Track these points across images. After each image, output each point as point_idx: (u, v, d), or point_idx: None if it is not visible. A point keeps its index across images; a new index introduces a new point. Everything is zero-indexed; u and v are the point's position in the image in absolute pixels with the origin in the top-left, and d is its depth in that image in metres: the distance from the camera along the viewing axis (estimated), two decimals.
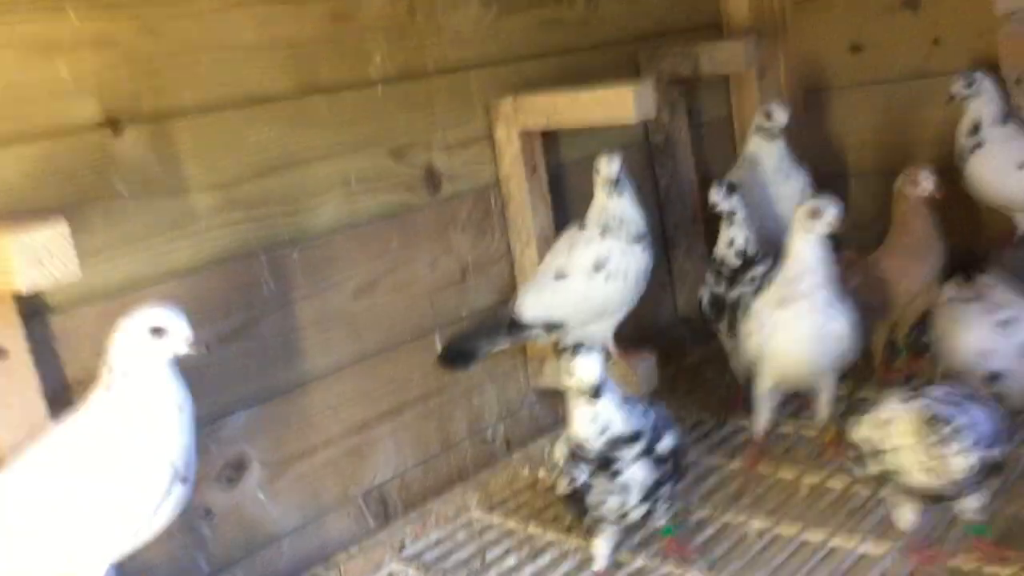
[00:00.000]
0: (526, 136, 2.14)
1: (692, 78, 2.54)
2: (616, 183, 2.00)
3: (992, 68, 2.35)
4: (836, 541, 1.64)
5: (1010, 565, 1.45)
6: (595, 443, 1.53)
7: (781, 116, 2.40)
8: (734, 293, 2.14)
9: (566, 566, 1.72)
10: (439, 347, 2.09)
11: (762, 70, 2.73)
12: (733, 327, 2.13)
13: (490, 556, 1.79)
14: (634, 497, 1.55)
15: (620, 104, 1.92)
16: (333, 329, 1.89)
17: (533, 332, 2.05)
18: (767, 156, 2.43)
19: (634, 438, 1.53)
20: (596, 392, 1.49)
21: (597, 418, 1.52)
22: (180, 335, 1.28)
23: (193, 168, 1.65)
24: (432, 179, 2.08)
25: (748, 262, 2.12)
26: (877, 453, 1.50)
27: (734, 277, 2.13)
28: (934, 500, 1.49)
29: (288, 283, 1.78)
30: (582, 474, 1.55)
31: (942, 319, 1.90)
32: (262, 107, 1.75)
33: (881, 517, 1.67)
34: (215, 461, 1.68)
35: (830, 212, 1.80)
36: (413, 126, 2.02)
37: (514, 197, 2.18)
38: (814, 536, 1.67)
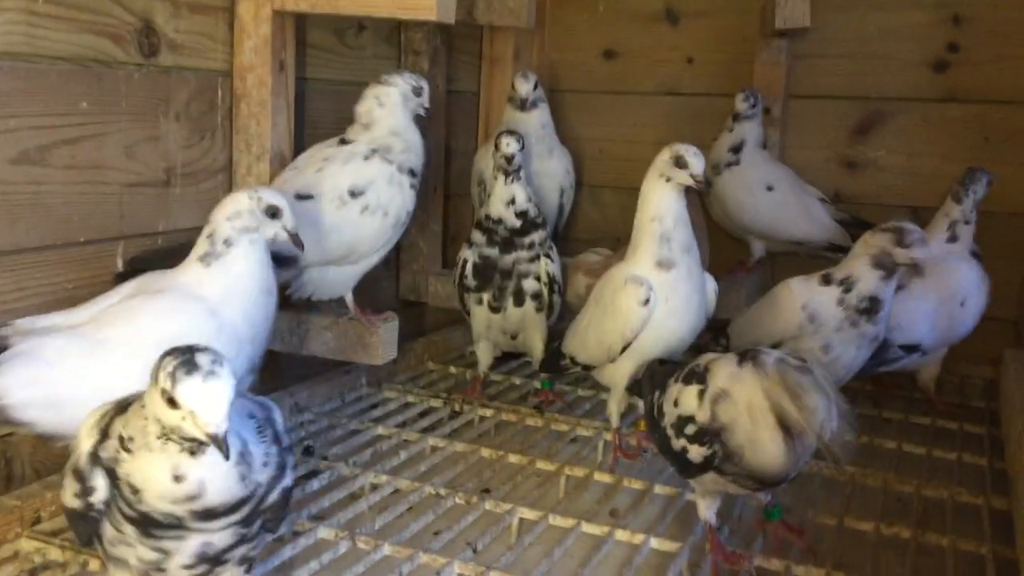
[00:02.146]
0: (280, 19, 1.67)
1: (466, 24, 2.20)
2: (425, 111, 1.68)
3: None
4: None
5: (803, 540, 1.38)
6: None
7: (524, 86, 2.16)
8: (509, 258, 1.80)
9: None
10: (120, 264, 1.52)
11: (518, 51, 2.51)
12: (500, 298, 1.81)
13: None
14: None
15: None
16: None
17: None
18: (525, 129, 2.15)
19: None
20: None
21: None
22: None
23: None
24: (149, 37, 1.54)
25: (530, 224, 1.80)
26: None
27: (511, 240, 1.80)
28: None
29: None
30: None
31: None
32: None
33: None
34: None
35: (696, 163, 1.48)
36: None
37: (250, 96, 1.69)
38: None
